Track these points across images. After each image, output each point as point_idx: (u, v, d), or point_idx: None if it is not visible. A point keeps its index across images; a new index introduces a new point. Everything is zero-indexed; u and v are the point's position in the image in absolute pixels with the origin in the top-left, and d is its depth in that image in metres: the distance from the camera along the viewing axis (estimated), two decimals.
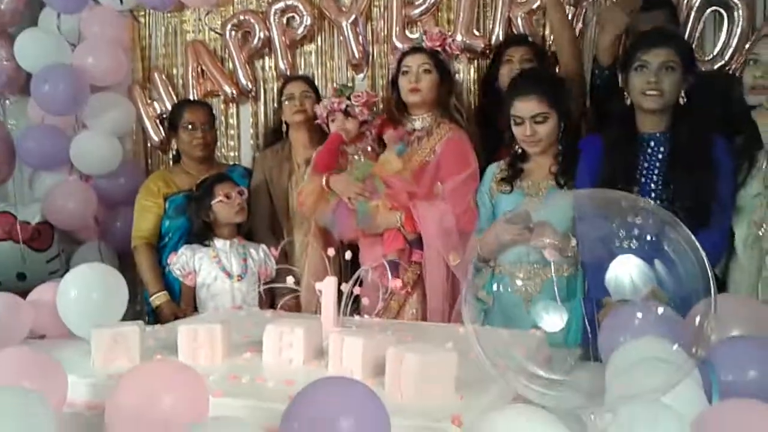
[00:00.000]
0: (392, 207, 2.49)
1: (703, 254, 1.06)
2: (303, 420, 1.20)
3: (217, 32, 3.51)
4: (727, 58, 2.82)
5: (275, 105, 3.31)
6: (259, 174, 3.01)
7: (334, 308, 1.93)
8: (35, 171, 3.34)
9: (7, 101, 3.56)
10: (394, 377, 1.48)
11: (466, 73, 3.19)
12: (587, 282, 1.89)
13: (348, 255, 2.13)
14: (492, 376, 1.52)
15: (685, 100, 2.15)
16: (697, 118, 2.16)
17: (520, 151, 2.39)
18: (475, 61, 3.20)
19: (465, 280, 1.35)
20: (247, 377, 1.60)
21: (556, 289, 1.78)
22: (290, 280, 2.07)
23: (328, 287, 1.96)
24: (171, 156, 3.32)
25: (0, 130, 3.23)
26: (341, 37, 3.34)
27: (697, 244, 1.09)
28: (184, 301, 2.75)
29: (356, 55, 3.30)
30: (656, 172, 2.18)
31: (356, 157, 2.65)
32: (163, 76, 3.58)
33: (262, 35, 3.39)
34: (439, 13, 3.20)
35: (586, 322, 1.50)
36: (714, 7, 2.86)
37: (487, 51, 3.09)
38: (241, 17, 3.42)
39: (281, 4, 3.33)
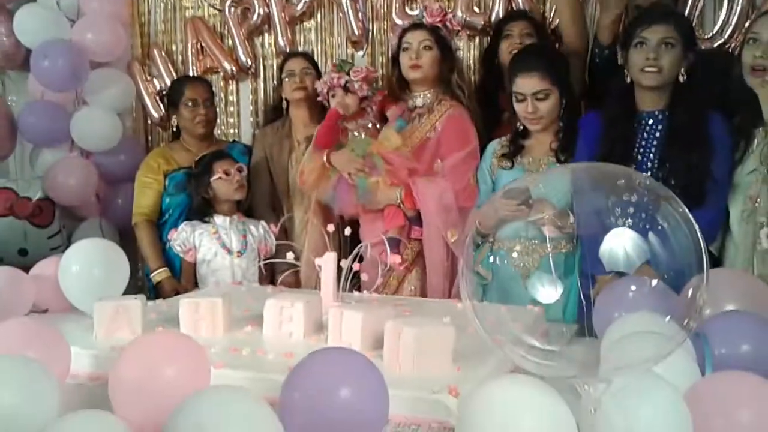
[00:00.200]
0: (392, 183, 2.50)
1: (697, 228, 1.08)
2: (303, 389, 1.22)
3: (216, 8, 3.49)
4: (726, 36, 2.81)
5: (275, 82, 3.31)
6: (259, 151, 3.01)
7: (333, 283, 1.96)
8: (36, 147, 3.34)
9: (7, 77, 3.55)
10: (392, 350, 1.50)
11: (466, 50, 3.17)
12: (583, 255, 1.90)
13: (347, 231, 2.14)
14: (489, 349, 1.54)
15: (685, 77, 2.15)
16: (695, 96, 2.16)
17: (521, 127, 2.40)
18: (475, 39, 3.18)
19: (463, 256, 1.36)
20: (248, 350, 1.63)
21: (552, 265, 1.79)
22: (290, 256, 2.09)
23: (327, 263, 1.98)
24: (170, 133, 3.31)
25: (0, 106, 3.23)
26: (341, 14, 3.32)
27: (691, 217, 1.10)
28: (184, 278, 2.76)
29: (356, 32, 3.28)
30: (653, 150, 2.18)
31: (356, 133, 2.65)
32: (163, 53, 3.56)
33: (261, 11, 3.37)
34: None
35: (582, 298, 1.51)
36: None
37: (487, 28, 3.08)
38: None
39: None
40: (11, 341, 1.50)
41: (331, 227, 2.08)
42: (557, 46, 2.79)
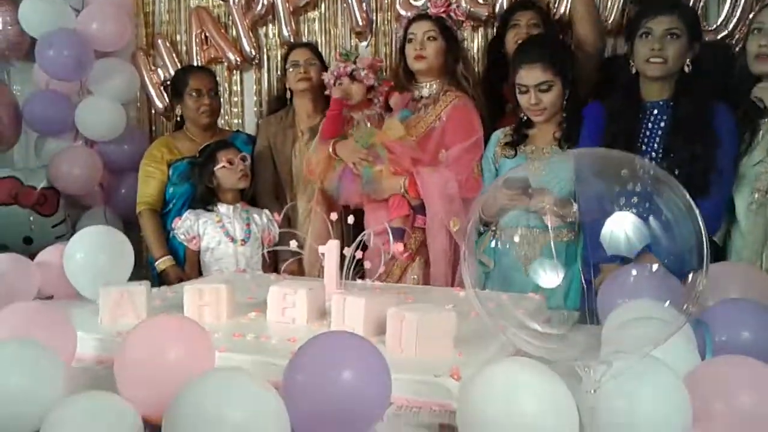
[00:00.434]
0: (395, 172, 2.51)
1: (698, 213, 1.08)
2: (306, 372, 1.23)
3: None
4: (730, 28, 2.81)
5: (279, 72, 3.31)
6: (263, 140, 3.02)
7: (336, 271, 1.97)
8: (40, 137, 3.35)
9: (12, 67, 3.56)
10: (395, 335, 1.51)
11: (470, 41, 3.17)
12: (585, 243, 1.91)
13: (351, 219, 2.15)
14: (491, 335, 1.55)
15: (690, 68, 2.15)
16: (699, 87, 2.16)
17: (525, 117, 2.40)
18: (480, 29, 3.19)
19: (465, 243, 1.37)
20: (252, 335, 1.64)
21: (554, 254, 1.80)
22: (293, 244, 2.10)
23: (330, 250, 1.99)
24: (174, 122, 3.33)
25: (5, 95, 3.24)
26: (345, 4, 3.32)
27: (693, 203, 1.11)
28: (188, 266, 2.78)
29: (360, 23, 3.29)
30: (657, 140, 2.19)
31: (361, 123, 2.66)
32: (167, 43, 3.58)
33: (265, 2, 3.37)
34: None
35: (584, 283, 1.52)
36: None
37: (492, 19, 3.08)
38: None
39: None
40: (18, 324, 1.52)
41: (334, 215, 2.09)
42: (562, 36, 2.79)
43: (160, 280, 2.83)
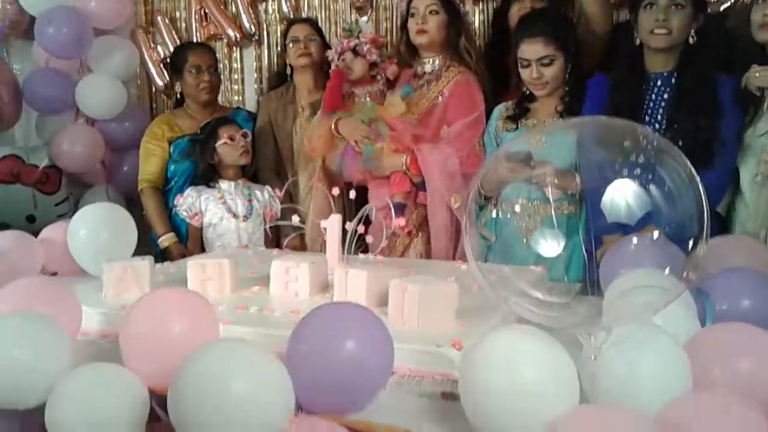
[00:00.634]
0: (396, 149, 2.51)
1: (699, 180, 1.08)
2: (309, 342, 1.24)
3: None
4: None
5: (278, 49, 3.29)
6: (263, 117, 3.01)
7: (338, 245, 1.97)
8: (41, 115, 3.35)
9: (11, 45, 3.54)
10: (397, 307, 1.52)
11: (472, 15, 3.14)
12: (587, 213, 1.91)
13: (352, 194, 2.15)
14: (493, 307, 1.56)
15: (695, 39, 2.14)
16: (704, 58, 2.15)
17: (527, 92, 2.39)
18: (480, 3, 3.16)
19: (466, 215, 1.37)
20: (255, 308, 1.65)
21: (555, 224, 1.80)
22: (295, 219, 2.10)
23: (332, 225, 1.99)
24: (175, 100, 3.32)
25: (5, 73, 3.23)
26: None
27: (693, 171, 1.11)
28: (191, 242, 2.79)
29: None
30: (661, 111, 2.18)
31: (363, 99, 2.65)
32: (167, 20, 3.55)
33: None
34: None
35: (585, 254, 1.52)
36: None
37: None
38: None
39: None
40: (23, 299, 1.53)
41: (336, 191, 2.09)
42: (565, 9, 2.76)
43: (163, 257, 2.84)
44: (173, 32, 3.54)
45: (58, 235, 2.18)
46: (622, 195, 1.11)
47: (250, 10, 3.43)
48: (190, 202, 2.71)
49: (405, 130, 2.50)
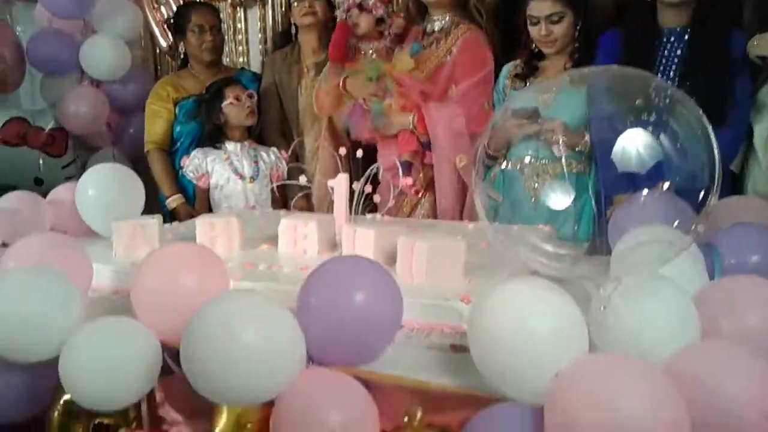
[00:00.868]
0: (403, 105, 2.49)
1: (710, 129, 1.07)
2: (319, 294, 1.25)
3: None
4: None
5: (282, 8, 3.25)
6: (268, 77, 2.99)
7: (345, 204, 1.97)
8: (46, 77, 3.32)
9: (14, 7, 3.50)
10: (406, 263, 1.53)
11: None
12: (596, 174, 1.90)
13: (359, 153, 2.14)
14: (501, 264, 1.57)
15: None
16: (717, 14, 2.11)
17: (536, 50, 2.37)
18: None
19: (474, 171, 1.37)
20: (264, 265, 1.66)
21: (566, 176, 1.79)
22: (303, 179, 2.10)
23: (339, 184, 1.99)
24: (179, 62, 3.29)
25: (8, 35, 3.20)
26: None
27: (706, 121, 1.10)
28: (198, 204, 2.79)
29: None
30: (674, 67, 2.15)
31: (371, 56, 2.63)
32: None
33: None
34: None
35: (594, 207, 1.52)
36: None
37: None
38: None
39: None
40: (34, 254, 1.54)
41: (342, 151, 2.09)
42: None
43: (171, 218, 2.85)
44: None
45: (67, 196, 2.18)
46: (633, 144, 1.11)
47: None
48: (196, 163, 2.71)
49: (412, 86, 2.48)
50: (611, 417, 0.97)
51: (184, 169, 2.74)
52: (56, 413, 1.46)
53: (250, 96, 2.74)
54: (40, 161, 3.14)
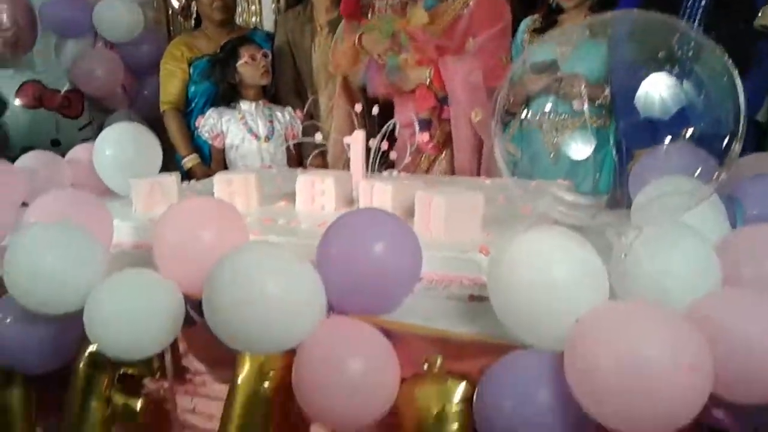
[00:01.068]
0: (419, 60, 2.46)
1: (736, 74, 1.05)
2: (338, 246, 1.26)
3: None
4: None
5: None
6: (282, 36, 2.96)
7: (362, 160, 1.96)
8: (59, 39, 3.32)
9: None
10: (423, 217, 1.53)
11: None
12: (617, 125, 1.87)
13: (375, 110, 2.12)
14: (519, 219, 1.57)
15: None
16: None
17: (554, 4, 2.33)
18: None
19: (493, 123, 1.35)
20: (282, 220, 1.67)
21: (589, 128, 1.77)
22: (318, 137, 2.09)
23: (356, 140, 1.98)
24: (192, 23, 3.26)
25: None
26: None
27: (731, 65, 1.07)
28: (214, 163, 2.80)
29: None
30: (698, 17, 2.10)
31: (386, 11, 2.59)
32: None
33: None
34: None
35: (615, 158, 1.51)
36: None
37: None
38: None
39: None
40: (56, 210, 1.55)
41: (358, 107, 2.07)
42: None
43: (188, 178, 2.85)
44: None
45: (85, 156, 2.19)
46: (656, 89, 1.08)
47: None
48: (211, 123, 2.71)
49: (427, 40, 2.44)
50: (632, 362, 0.97)
51: (199, 130, 2.74)
52: (82, 364, 1.49)
53: (265, 55, 2.72)
54: (57, 123, 3.16)
